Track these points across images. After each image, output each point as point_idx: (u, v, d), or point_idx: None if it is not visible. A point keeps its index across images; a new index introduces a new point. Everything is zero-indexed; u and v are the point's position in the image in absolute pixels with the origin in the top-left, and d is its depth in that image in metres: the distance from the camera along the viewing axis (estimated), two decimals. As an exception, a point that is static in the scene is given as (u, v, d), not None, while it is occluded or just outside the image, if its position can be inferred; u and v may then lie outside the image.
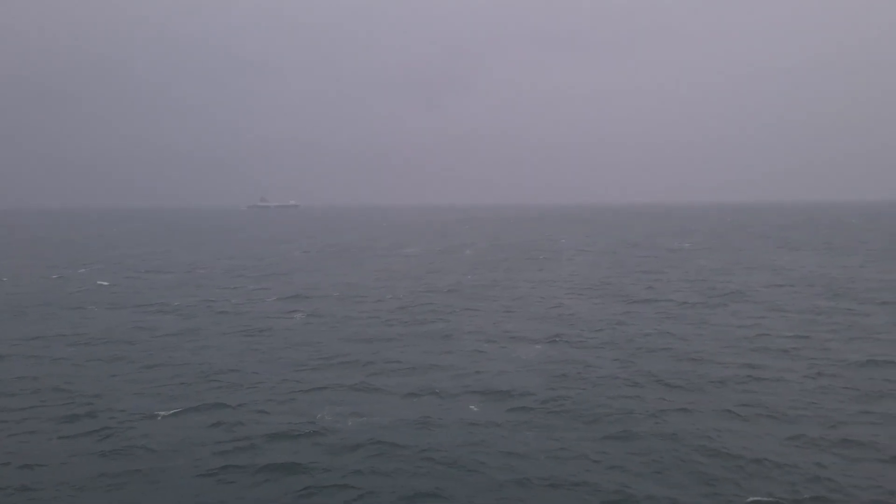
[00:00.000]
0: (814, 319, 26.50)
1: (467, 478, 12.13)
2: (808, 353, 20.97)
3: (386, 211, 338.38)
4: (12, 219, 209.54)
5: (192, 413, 15.66)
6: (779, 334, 23.68)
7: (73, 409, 15.90)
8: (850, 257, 52.71)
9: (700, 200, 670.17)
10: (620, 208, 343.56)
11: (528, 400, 16.46)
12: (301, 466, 12.54)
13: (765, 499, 11.14)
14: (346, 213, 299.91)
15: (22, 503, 11.26)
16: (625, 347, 22.07)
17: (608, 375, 18.58)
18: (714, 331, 24.56)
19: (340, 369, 19.51)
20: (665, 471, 12.28)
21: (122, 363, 20.37)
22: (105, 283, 39.27)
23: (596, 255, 58.36)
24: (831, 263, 47.98)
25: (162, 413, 15.59)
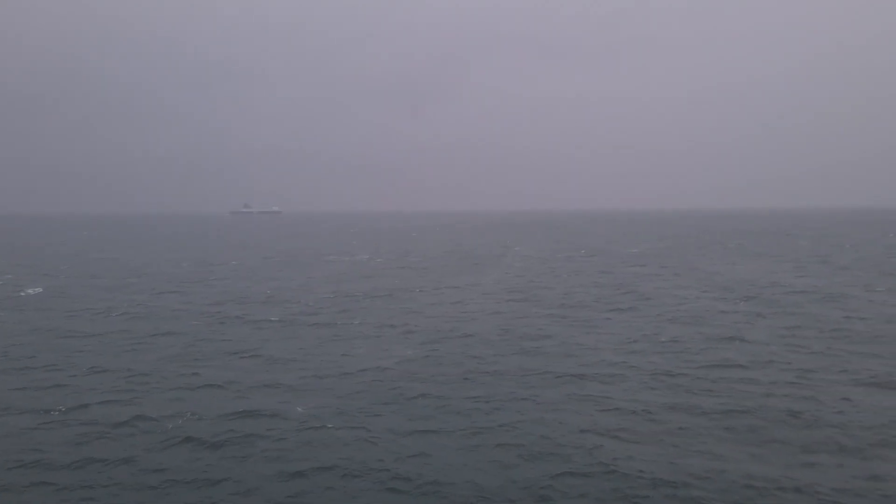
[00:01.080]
0: (702, 323, 26.83)
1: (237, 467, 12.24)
2: (669, 353, 21.28)
3: (368, 217, 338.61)
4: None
5: None
6: (653, 338, 23.99)
7: None
8: (785, 264, 53.38)
9: (687, 207, 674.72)
10: (601, 214, 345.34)
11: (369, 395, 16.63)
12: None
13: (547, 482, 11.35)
14: (328, 219, 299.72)
15: None
16: (498, 345, 22.46)
17: (465, 371, 18.82)
18: (590, 332, 24.88)
19: (167, 363, 19.59)
20: (480, 460, 12.49)
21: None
22: (37, 290, 38.83)
23: (538, 262, 58.74)
24: (762, 270, 48.54)
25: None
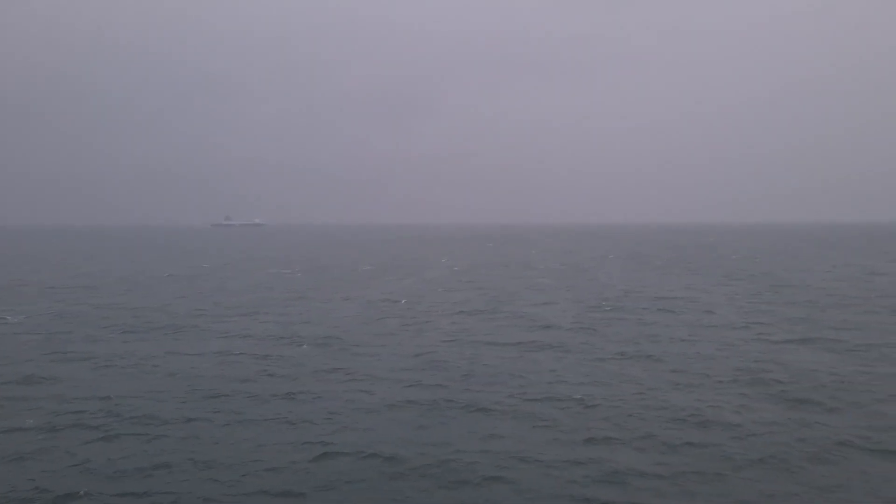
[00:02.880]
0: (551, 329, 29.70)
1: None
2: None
3: (346, 230, 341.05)
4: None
5: None
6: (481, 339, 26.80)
7: None
8: (682, 278, 56.51)
9: (667, 221, 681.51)
10: (577, 227, 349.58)
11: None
12: None
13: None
14: (305, 231, 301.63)
15: None
16: (333, 347, 25.17)
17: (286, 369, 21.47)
18: (427, 334, 27.66)
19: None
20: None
21: None
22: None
23: (450, 272, 61.65)
24: (650, 282, 51.59)
25: None
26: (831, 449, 14.18)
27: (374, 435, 15.24)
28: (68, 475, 13.01)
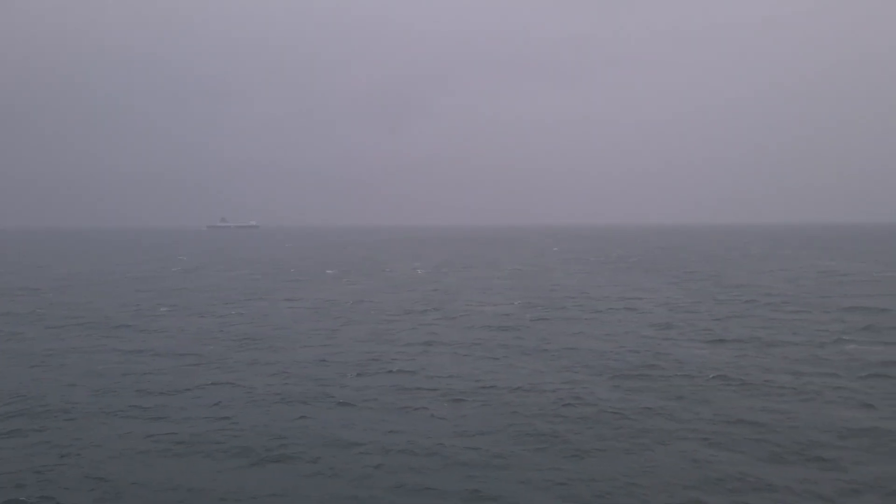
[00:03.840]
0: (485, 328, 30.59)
1: None
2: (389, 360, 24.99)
3: (341, 231, 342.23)
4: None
5: None
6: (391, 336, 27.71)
7: None
8: (631, 276, 57.40)
9: (665, 223, 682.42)
10: (568, 229, 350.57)
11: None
12: None
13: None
14: (299, 233, 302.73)
15: None
16: (246, 347, 26.07)
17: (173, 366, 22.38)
18: (343, 331, 28.57)
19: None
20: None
21: None
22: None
23: (413, 273, 62.62)
24: (596, 281, 52.53)
25: None
26: (665, 437, 15.04)
27: (233, 424, 16.15)
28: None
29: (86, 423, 16.48)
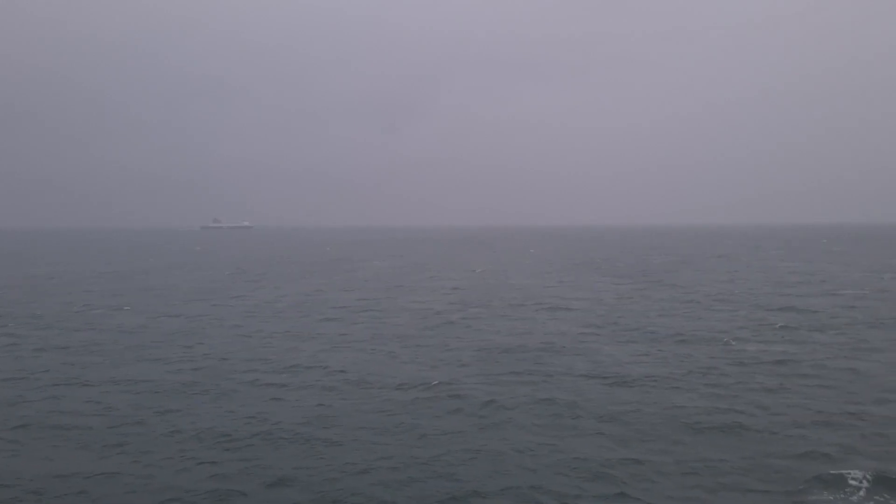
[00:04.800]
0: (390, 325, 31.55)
1: None
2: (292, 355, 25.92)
3: (334, 232, 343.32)
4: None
5: None
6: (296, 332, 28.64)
7: None
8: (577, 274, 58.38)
9: (660, 223, 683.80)
10: (560, 230, 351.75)
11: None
12: None
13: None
14: (291, 233, 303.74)
15: None
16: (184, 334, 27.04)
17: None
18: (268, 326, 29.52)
19: None
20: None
21: None
22: None
23: (373, 274, 63.66)
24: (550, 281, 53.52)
25: None
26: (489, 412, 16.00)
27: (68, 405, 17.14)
28: None
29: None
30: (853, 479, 12.42)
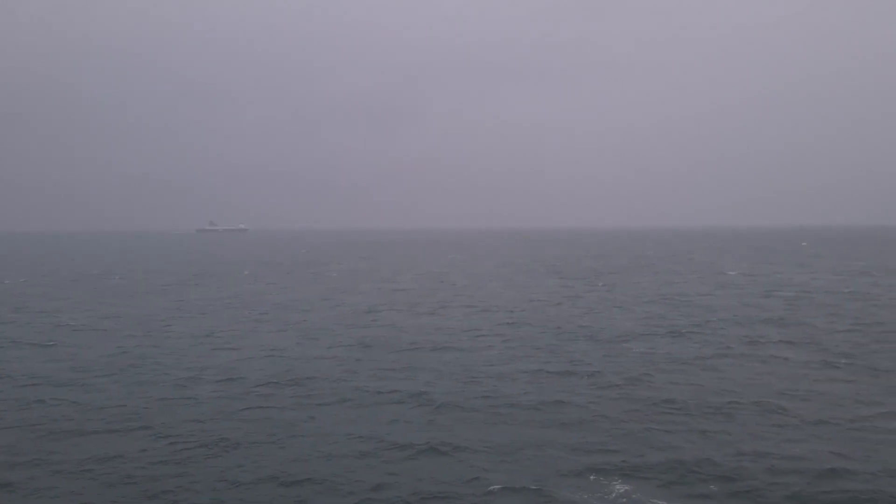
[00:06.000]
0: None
1: None
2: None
3: (327, 235, 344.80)
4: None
5: None
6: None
7: None
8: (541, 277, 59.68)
9: (647, 226, 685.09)
10: (547, 232, 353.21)
11: None
12: None
13: None
14: (283, 237, 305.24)
15: None
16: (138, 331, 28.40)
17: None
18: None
19: None
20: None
21: None
22: None
23: (326, 276, 65.05)
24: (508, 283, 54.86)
25: None
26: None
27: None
28: None
29: None
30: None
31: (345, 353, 25.48)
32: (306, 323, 33.37)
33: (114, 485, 12.90)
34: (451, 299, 43.22)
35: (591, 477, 13.09)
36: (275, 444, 15.15)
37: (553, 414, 17.20)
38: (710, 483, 12.80)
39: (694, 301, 40.84)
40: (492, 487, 12.62)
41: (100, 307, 40.44)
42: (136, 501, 12.21)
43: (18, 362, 24.19)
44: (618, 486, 12.61)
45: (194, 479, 13.16)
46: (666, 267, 73.71)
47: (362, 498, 12.29)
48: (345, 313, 36.77)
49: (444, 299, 43.27)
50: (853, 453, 14.13)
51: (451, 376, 21.37)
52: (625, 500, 12.09)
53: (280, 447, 14.92)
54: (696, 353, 24.65)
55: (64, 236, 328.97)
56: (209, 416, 17.27)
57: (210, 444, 15.03)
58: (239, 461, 14.09)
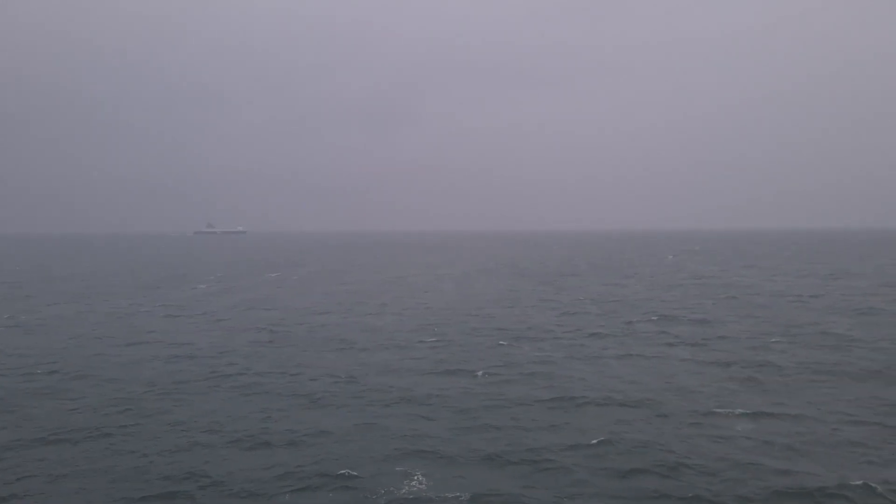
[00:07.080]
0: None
1: None
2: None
3: (322, 237, 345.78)
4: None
5: None
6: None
7: None
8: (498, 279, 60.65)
9: (639, 229, 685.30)
10: (541, 235, 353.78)
11: None
12: None
13: None
14: (278, 239, 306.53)
15: None
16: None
17: None
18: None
19: None
20: None
21: None
22: None
23: (295, 276, 66.15)
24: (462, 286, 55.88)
25: None
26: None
27: None
28: None
29: None
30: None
31: (251, 349, 26.53)
32: (230, 321, 34.41)
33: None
34: (394, 301, 44.14)
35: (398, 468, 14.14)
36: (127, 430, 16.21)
37: (403, 406, 18.19)
38: (521, 465, 13.87)
39: (629, 301, 41.73)
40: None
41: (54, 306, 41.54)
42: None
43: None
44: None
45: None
46: (630, 270, 74.54)
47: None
48: (273, 316, 37.63)
49: (390, 301, 44.17)
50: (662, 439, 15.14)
51: (335, 373, 22.40)
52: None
53: (130, 435, 15.98)
54: (595, 353, 25.67)
55: (62, 239, 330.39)
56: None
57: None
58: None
